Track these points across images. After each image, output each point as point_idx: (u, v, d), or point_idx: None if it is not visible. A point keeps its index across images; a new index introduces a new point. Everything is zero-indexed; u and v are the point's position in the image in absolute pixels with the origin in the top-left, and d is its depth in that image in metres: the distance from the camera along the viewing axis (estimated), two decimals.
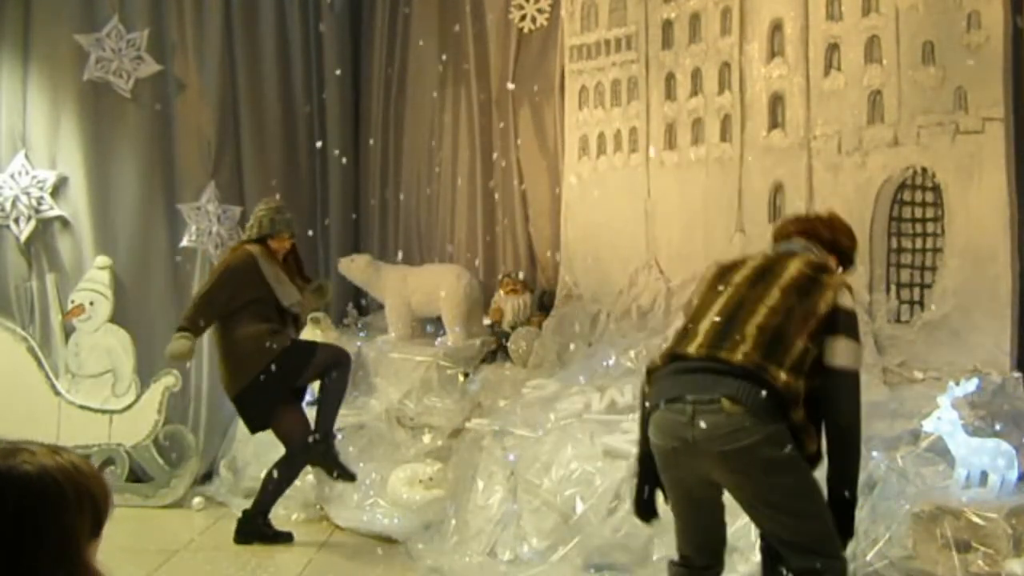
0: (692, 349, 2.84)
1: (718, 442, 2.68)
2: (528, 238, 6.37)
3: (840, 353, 2.81)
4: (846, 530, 2.84)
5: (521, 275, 6.21)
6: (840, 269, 3.16)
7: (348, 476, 5.00)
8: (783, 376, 2.71)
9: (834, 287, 2.88)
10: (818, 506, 2.77)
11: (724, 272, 3.08)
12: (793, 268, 2.94)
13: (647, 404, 2.91)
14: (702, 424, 2.69)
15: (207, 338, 5.99)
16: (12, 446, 1.37)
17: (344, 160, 6.72)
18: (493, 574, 4.25)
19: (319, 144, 6.67)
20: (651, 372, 2.94)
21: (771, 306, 2.83)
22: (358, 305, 6.73)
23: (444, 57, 6.63)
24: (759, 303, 2.86)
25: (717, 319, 2.87)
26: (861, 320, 4.54)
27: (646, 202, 5.59)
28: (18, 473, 1.32)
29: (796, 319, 2.81)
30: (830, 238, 3.19)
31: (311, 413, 5.07)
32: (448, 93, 6.64)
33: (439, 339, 6.09)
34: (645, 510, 3.07)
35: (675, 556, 3.00)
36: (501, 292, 6.14)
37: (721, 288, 2.98)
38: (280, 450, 5.65)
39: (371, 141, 6.88)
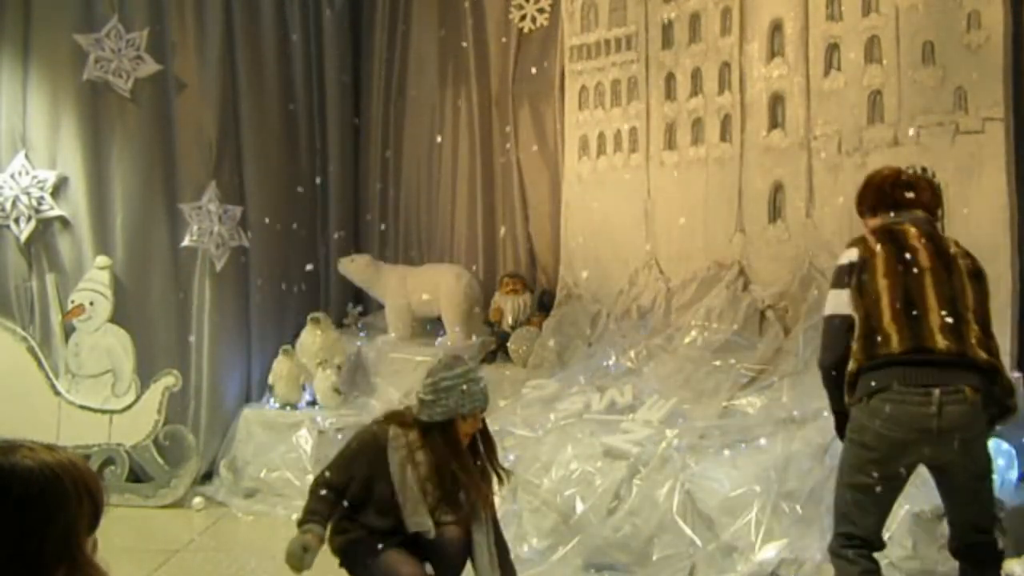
0: (939, 344, 2.93)
1: (960, 431, 2.89)
2: (528, 238, 6.37)
3: None
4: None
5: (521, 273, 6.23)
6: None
7: None
8: (1005, 380, 3.02)
9: (987, 278, 3.14)
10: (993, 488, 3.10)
11: (899, 250, 3.09)
12: (954, 250, 3.12)
13: (872, 384, 2.97)
14: (948, 415, 2.88)
15: (207, 337, 6.02)
16: (10, 443, 1.39)
17: (343, 163, 6.73)
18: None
19: (319, 145, 6.68)
20: (882, 357, 2.97)
21: (975, 298, 3.04)
22: (358, 305, 6.73)
23: (444, 57, 6.64)
24: (964, 293, 3.03)
25: (938, 311, 2.96)
26: None
27: (646, 202, 5.60)
28: (20, 468, 1.34)
29: (987, 310, 3.07)
30: (936, 206, 3.37)
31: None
32: (448, 93, 6.64)
33: (439, 339, 6.09)
34: None
35: (845, 542, 3.01)
36: (501, 292, 6.14)
37: (913, 271, 3.04)
38: (279, 450, 5.67)
39: (371, 141, 6.88)
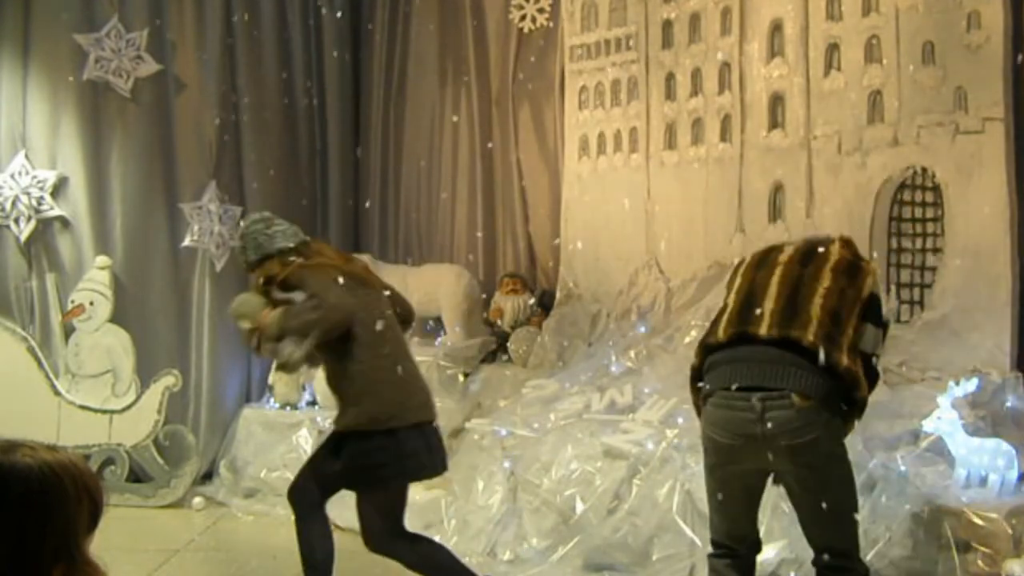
0: (763, 330, 2.84)
1: (787, 436, 2.74)
2: (528, 238, 6.37)
3: (868, 341, 2.92)
4: None
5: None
6: None
7: None
8: (845, 360, 2.80)
9: (872, 273, 3.02)
10: (854, 505, 2.89)
11: (765, 255, 3.13)
12: (835, 251, 3.02)
13: (703, 387, 2.96)
14: (770, 420, 2.74)
15: (207, 337, 6.02)
16: (10, 443, 1.39)
17: (344, 159, 6.73)
18: (493, 574, 4.24)
19: (319, 145, 6.68)
20: (711, 349, 2.97)
21: (827, 287, 2.91)
22: None
23: (444, 57, 6.64)
24: (815, 282, 2.92)
25: (776, 298, 2.91)
26: None
27: (646, 202, 5.60)
28: (20, 466, 1.35)
29: (848, 302, 2.90)
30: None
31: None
32: (448, 93, 6.64)
33: (439, 339, 6.09)
34: None
35: (711, 549, 3.08)
36: (501, 292, 6.14)
37: (767, 270, 3.03)
38: (279, 450, 5.65)
39: (371, 141, 6.88)
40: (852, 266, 2.99)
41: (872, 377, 2.95)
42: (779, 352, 2.80)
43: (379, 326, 3.39)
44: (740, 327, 2.90)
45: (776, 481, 2.96)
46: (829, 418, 2.79)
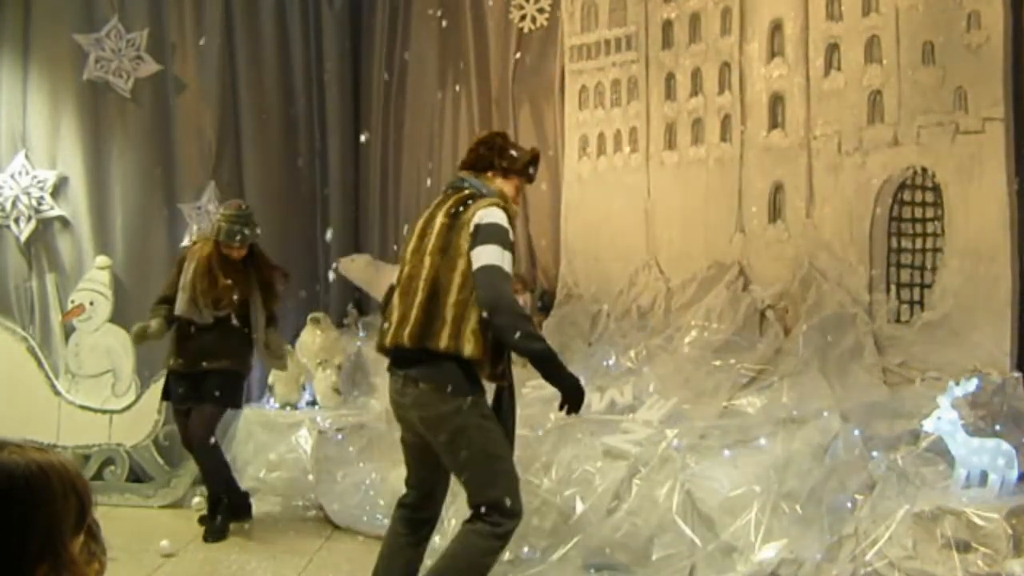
0: (388, 341, 3.31)
1: (416, 410, 3.29)
2: (528, 238, 6.37)
3: (477, 257, 3.12)
4: (556, 384, 3.28)
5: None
6: (509, 179, 3.44)
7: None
8: (443, 337, 3.14)
9: (467, 222, 3.18)
10: (488, 469, 3.24)
11: (408, 241, 3.43)
12: (438, 223, 3.27)
13: None
14: (408, 395, 3.29)
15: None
16: None
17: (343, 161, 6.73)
18: (493, 574, 4.24)
19: (319, 145, 6.68)
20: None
21: (426, 278, 3.22)
22: (358, 305, 6.73)
23: (444, 57, 6.64)
24: (419, 279, 3.23)
25: (398, 310, 3.29)
26: (860, 320, 4.57)
27: (646, 202, 5.60)
28: (6, 463, 1.34)
29: (444, 274, 3.19)
30: (473, 160, 3.48)
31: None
32: (448, 93, 6.64)
33: None
34: None
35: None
36: None
37: (405, 266, 3.36)
38: (279, 450, 5.66)
39: (371, 140, 6.88)
40: (448, 231, 3.22)
41: (481, 286, 3.11)
42: (400, 354, 3.32)
43: None
44: (381, 339, 3.41)
45: None
46: (451, 399, 3.17)
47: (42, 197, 5.82)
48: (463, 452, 3.21)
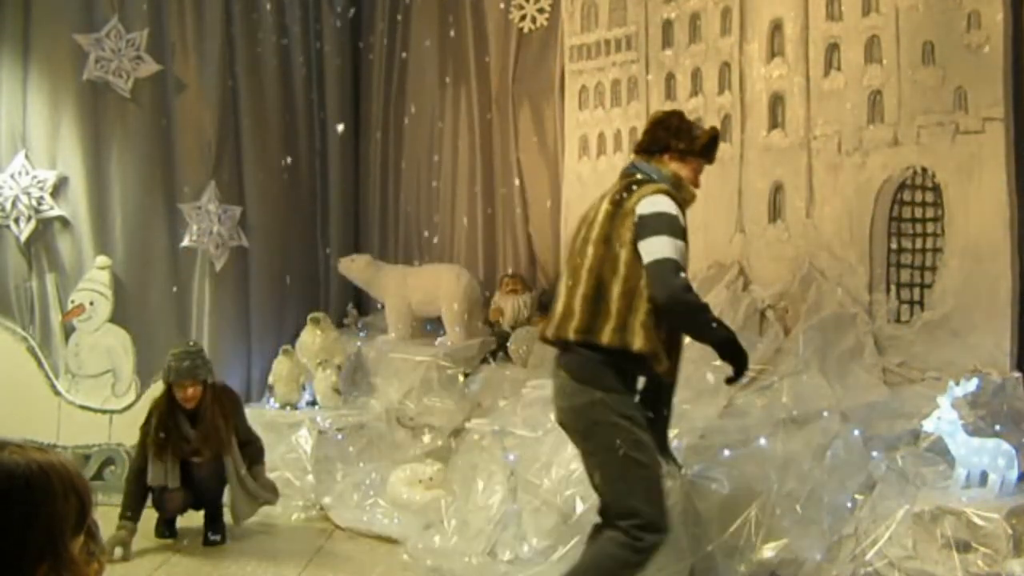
0: (549, 333, 3.25)
1: (556, 400, 3.24)
2: (528, 238, 6.38)
3: (646, 251, 3.04)
4: (732, 363, 3.18)
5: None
6: (686, 161, 3.37)
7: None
8: (607, 331, 3.04)
9: (630, 210, 3.09)
10: (627, 475, 3.07)
11: (576, 234, 3.33)
12: (602, 211, 3.18)
13: None
14: (553, 387, 3.25)
15: (207, 337, 6.02)
16: None
17: (344, 161, 6.74)
18: (493, 574, 4.25)
19: (319, 146, 6.68)
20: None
21: (589, 268, 3.14)
22: (358, 305, 6.74)
23: (444, 57, 6.64)
24: (582, 269, 3.15)
25: (561, 300, 3.22)
26: (861, 320, 4.57)
27: None
28: (6, 463, 1.34)
29: (608, 265, 3.09)
30: (647, 142, 3.39)
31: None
32: (448, 93, 6.64)
33: (439, 339, 6.09)
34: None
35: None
36: (501, 292, 6.14)
37: (572, 259, 3.29)
38: (279, 450, 5.67)
39: (371, 140, 6.88)
40: (611, 219, 3.13)
41: (653, 282, 3.02)
42: (560, 346, 3.23)
43: None
44: (543, 332, 3.35)
45: None
46: (591, 391, 3.08)
47: (42, 197, 5.82)
48: (596, 452, 3.08)
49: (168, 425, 4.75)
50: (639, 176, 3.24)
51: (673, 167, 3.30)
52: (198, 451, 4.78)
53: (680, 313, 3.05)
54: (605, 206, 3.17)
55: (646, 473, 3.06)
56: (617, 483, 3.06)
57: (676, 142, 3.33)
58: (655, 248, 3.01)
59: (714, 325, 3.13)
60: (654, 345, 3.03)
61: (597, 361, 3.06)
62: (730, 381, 3.28)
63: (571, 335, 3.10)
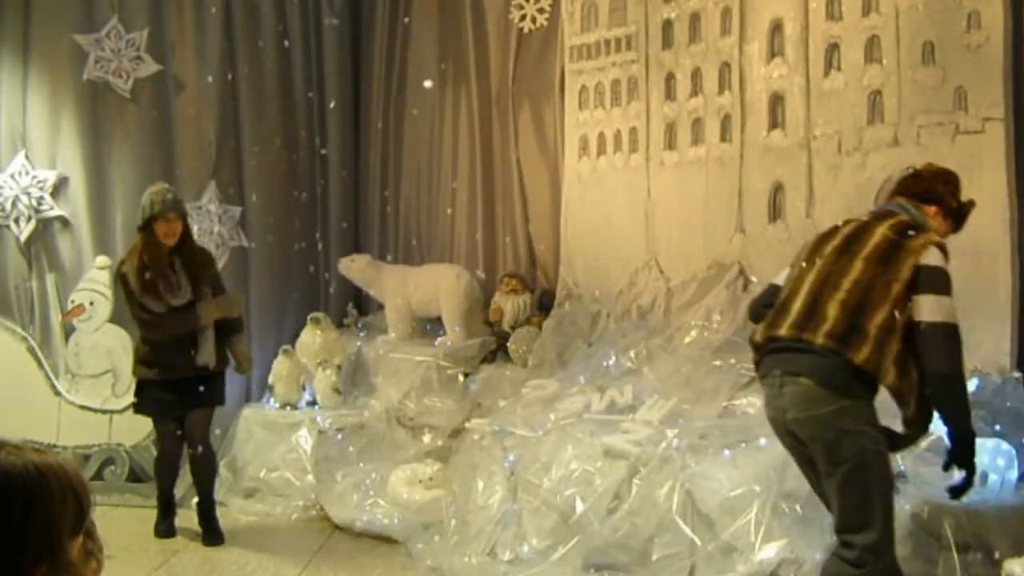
0: (783, 331, 3.03)
1: (793, 410, 2.96)
2: (528, 238, 6.38)
3: (927, 309, 2.91)
4: (967, 467, 2.95)
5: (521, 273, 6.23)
6: (945, 220, 3.22)
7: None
8: (864, 352, 2.87)
9: (916, 250, 2.97)
10: (867, 489, 2.89)
11: (820, 242, 3.20)
12: (878, 234, 3.05)
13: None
14: (786, 394, 2.98)
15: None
16: None
17: (344, 168, 6.73)
18: (493, 574, 4.25)
19: (320, 146, 6.68)
20: (755, 348, 3.19)
21: (854, 279, 2.97)
22: (358, 305, 6.74)
23: (444, 57, 6.64)
24: (843, 277, 2.99)
25: (804, 299, 3.04)
26: None
27: (646, 202, 5.60)
28: (2, 465, 1.33)
29: (878, 289, 2.93)
30: (922, 189, 3.26)
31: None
32: (448, 93, 6.64)
33: (439, 339, 6.09)
34: None
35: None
36: (501, 292, 6.14)
37: (815, 261, 3.12)
38: (279, 450, 5.66)
39: (371, 141, 6.89)
40: (891, 247, 2.99)
41: (933, 347, 2.87)
42: (796, 345, 3.00)
43: None
44: (769, 330, 3.10)
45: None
46: (838, 398, 2.88)
47: (42, 197, 5.82)
48: (842, 463, 2.89)
49: (152, 261, 4.73)
50: (909, 219, 3.12)
51: (934, 223, 3.19)
52: (190, 289, 4.80)
53: (949, 387, 2.90)
54: (883, 231, 3.05)
55: (886, 490, 2.95)
56: (859, 501, 2.89)
57: (950, 200, 3.25)
58: (936, 309, 2.89)
59: (968, 417, 2.93)
60: (904, 387, 2.91)
61: (849, 370, 2.88)
62: (955, 493, 3.01)
63: (820, 339, 2.91)
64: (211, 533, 4.93)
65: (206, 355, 4.84)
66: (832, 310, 2.94)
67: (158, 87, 6.01)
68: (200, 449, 4.96)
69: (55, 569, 1.33)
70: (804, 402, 2.93)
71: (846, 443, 2.88)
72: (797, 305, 3.04)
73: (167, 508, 5.06)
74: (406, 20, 6.76)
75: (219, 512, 5.40)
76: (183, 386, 4.84)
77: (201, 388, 4.87)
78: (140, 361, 4.92)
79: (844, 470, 2.89)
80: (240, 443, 5.79)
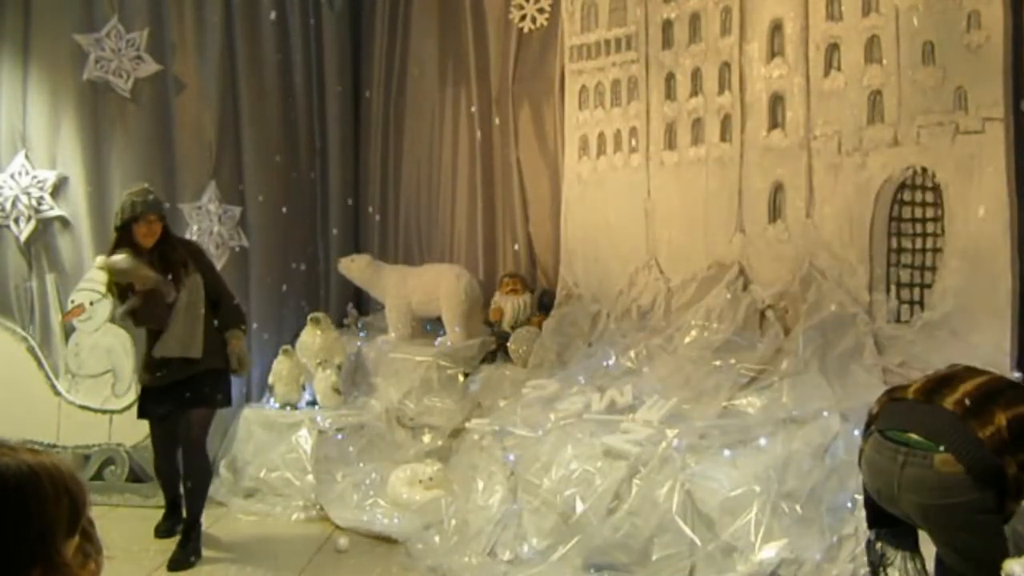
0: (910, 393, 2.94)
1: (920, 495, 2.77)
2: (528, 238, 6.38)
3: None
4: None
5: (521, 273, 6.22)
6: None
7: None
8: (988, 430, 2.69)
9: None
10: None
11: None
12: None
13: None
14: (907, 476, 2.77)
15: None
16: None
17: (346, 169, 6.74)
18: (493, 574, 4.24)
19: (319, 145, 6.68)
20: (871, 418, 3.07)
21: (970, 386, 2.84)
22: (358, 305, 6.74)
23: (444, 57, 6.64)
24: (956, 386, 2.86)
25: (916, 395, 2.91)
26: (860, 320, 4.57)
27: (646, 202, 5.60)
28: None
29: (1003, 403, 2.76)
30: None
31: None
32: (448, 93, 6.65)
33: (439, 339, 6.09)
34: None
35: None
36: (501, 292, 6.14)
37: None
38: (279, 450, 5.65)
39: (371, 140, 6.89)
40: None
41: None
42: (930, 405, 2.81)
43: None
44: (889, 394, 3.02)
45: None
46: (970, 487, 2.65)
47: (42, 197, 5.81)
48: (961, 550, 2.70)
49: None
50: None
51: None
52: (167, 282, 4.59)
53: None
54: None
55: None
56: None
57: None
58: None
59: None
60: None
61: (986, 453, 2.66)
62: None
63: (950, 405, 2.75)
64: (180, 555, 4.59)
65: (172, 343, 4.64)
66: (963, 387, 2.85)
67: (158, 87, 6.00)
68: (191, 453, 4.75)
69: (50, 571, 1.32)
70: (936, 491, 2.70)
71: (972, 526, 2.71)
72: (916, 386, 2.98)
73: (174, 507, 4.99)
74: (406, 18, 6.76)
75: (219, 512, 5.41)
76: (182, 386, 4.77)
77: (201, 388, 4.75)
78: (141, 367, 4.87)
79: (958, 556, 2.74)
80: (240, 443, 5.78)
